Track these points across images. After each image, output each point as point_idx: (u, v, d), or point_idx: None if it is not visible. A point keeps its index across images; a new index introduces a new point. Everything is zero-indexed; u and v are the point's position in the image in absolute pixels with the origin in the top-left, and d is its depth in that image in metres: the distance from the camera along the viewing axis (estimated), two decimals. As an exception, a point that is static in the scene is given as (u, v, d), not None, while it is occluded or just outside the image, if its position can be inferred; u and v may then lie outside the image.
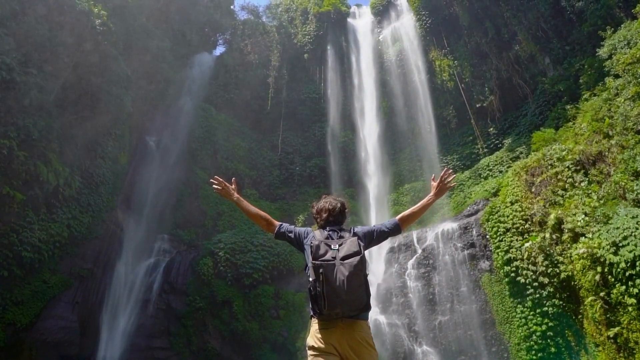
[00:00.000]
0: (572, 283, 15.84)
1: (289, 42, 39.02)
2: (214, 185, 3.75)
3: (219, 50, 42.00)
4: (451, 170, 3.86)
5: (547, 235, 16.88)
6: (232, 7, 41.95)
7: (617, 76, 18.20)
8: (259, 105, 35.99)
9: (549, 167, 18.41)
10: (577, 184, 17.04)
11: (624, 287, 12.98)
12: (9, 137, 17.63)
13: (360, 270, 2.96)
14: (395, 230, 3.59)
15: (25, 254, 18.26)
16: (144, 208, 24.97)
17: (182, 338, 20.76)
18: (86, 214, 21.54)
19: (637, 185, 14.41)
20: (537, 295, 17.04)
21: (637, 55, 16.61)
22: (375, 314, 20.16)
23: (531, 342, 16.73)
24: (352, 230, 3.37)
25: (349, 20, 41.02)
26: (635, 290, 12.53)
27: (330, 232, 3.30)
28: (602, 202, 15.37)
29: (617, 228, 13.57)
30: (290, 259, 23.24)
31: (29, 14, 19.39)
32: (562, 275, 16.11)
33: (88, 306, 20.80)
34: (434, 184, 3.78)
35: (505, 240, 18.62)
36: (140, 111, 27.17)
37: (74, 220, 20.77)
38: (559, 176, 17.76)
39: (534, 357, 16.56)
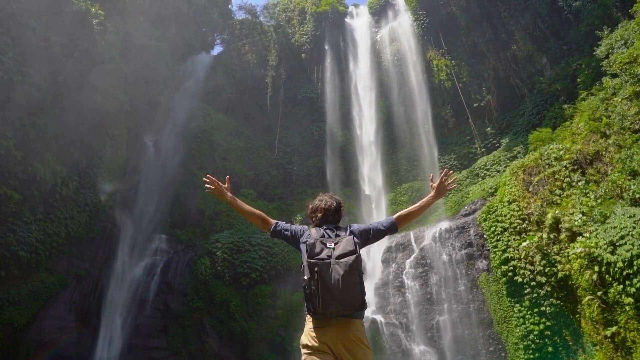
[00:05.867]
0: (570, 282, 15.88)
1: (286, 42, 38.98)
2: (207, 185, 3.71)
3: (217, 50, 41.99)
4: (451, 172, 3.82)
5: (545, 234, 16.92)
6: (229, 6, 41.88)
7: (614, 76, 18.26)
8: (257, 105, 35.94)
9: (547, 166, 18.45)
10: (574, 184, 17.07)
11: (621, 286, 13.01)
12: (5, 136, 17.55)
13: (355, 269, 2.94)
14: (391, 229, 3.57)
15: (22, 254, 18.18)
16: (141, 208, 24.89)
17: (180, 338, 20.71)
18: (83, 213, 21.46)
19: (634, 184, 14.45)
20: (535, 295, 17.07)
21: (634, 55, 16.66)
22: (372, 314, 20.17)
23: (529, 342, 16.76)
24: (348, 228, 3.35)
25: (347, 20, 41.02)
26: (633, 290, 12.56)
27: (327, 231, 3.29)
28: (599, 201, 15.41)
29: (615, 227, 13.61)
30: (288, 259, 23.22)
31: (26, 12, 19.32)
32: (560, 274, 16.15)
33: (85, 306, 20.73)
34: (434, 184, 3.75)
35: (502, 240, 18.65)
36: (138, 111, 27.08)
37: (71, 220, 20.70)
38: (557, 176, 17.80)
39: (532, 357, 16.59)
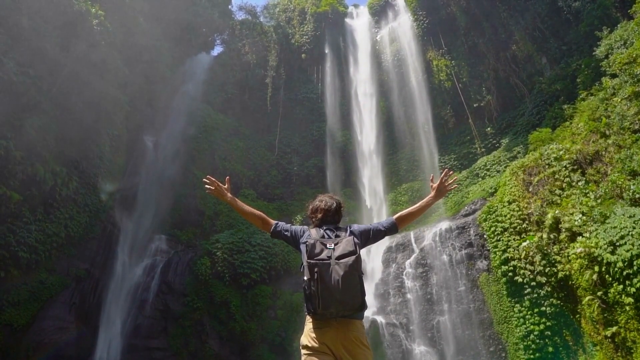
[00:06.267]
0: (570, 282, 15.87)
1: (286, 43, 38.99)
2: (207, 186, 3.71)
3: (217, 50, 42.02)
4: (452, 172, 3.82)
5: (545, 234, 16.91)
6: (229, 7, 41.91)
7: (613, 76, 18.27)
8: (257, 105, 35.95)
9: (546, 166, 18.45)
10: (574, 184, 17.07)
11: (621, 286, 13.01)
12: (5, 137, 17.55)
13: (355, 270, 2.94)
14: (391, 229, 3.57)
15: (22, 255, 18.17)
16: (141, 208, 24.88)
17: (180, 338, 20.70)
18: (83, 214, 21.46)
19: (634, 184, 14.45)
20: (535, 295, 17.07)
21: (634, 55, 16.66)
22: (373, 314, 20.16)
23: (529, 342, 16.76)
24: (348, 229, 3.35)
25: (347, 20, 41.02)
26: (633, 290, 12.56)
27: (327, 231, 3.28)
28: (599, 201, 15.41)
29: (614, 227, 13.60)
30: (288, 259, 23.22)
31: (26, 13, 19.31)
32: (560, 274, 16.15)
33: (85, 307, 20.72)
34: (434, 185, 3.75)
35: (502, 240, 18.65)
36: (138, 111, 27.10)
37: (71, 220, 20.69)
38: (556, 176, 17.80)
39: (532, 357, 16.58)
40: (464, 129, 30.40)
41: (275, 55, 37.60)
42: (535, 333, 16.67)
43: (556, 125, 21.93)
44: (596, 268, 13.88)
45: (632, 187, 14.44)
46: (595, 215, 14.83)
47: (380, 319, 19.98)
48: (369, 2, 41.18)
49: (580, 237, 14.99)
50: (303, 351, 3.07)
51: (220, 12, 39.78)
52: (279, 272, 22.89)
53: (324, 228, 3.33)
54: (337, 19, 39.87)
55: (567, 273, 15.83)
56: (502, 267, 18.15)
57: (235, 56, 37.56)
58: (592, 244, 14.13)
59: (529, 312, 17.10)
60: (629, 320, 13.07)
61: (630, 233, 13.05)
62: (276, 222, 3.63)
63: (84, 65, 21.55)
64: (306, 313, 3.09)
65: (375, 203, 29.98)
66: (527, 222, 18.40)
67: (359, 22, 41.32)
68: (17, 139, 18.08)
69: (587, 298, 14.41)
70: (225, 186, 3.75)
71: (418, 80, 33.24)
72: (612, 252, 13.33)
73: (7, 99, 17.83)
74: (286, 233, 3.51)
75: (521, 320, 17.20)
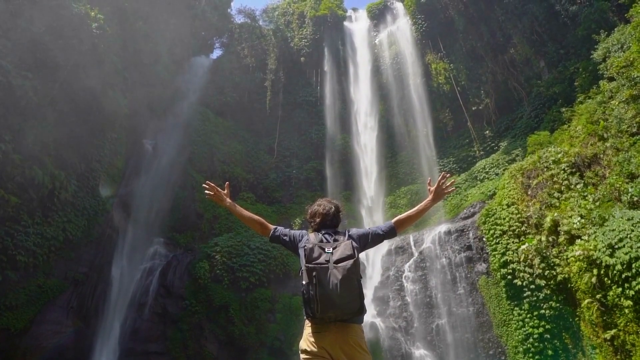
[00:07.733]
0: (569, 285, 15.88)
1: (285, 46, 39.08)
2: (206, 191, 3.73)
3: (216, 53, 42.13)
4: (449, 175, 3.83)
5: (544, 237, 16.93)
6: (229, 10, 42.04)
7: (611, 79, 18.35)
8: (256, 108, 35.99)
9: (545, 169, 18.49)
10: (572, 187, 17.11)
11: (620, 289, 13.01)
12: (4, 140, 17.52)
13: (353, 274, 2.95)
14: (390, 233, 3.58)
15: (19, 258, 18.11)
16: (140, 211, 24.85)
17: (179, 342, 20.62)
18: (82, 217, 21.40)
19: (632, 187, 14.48)
20: (534, 298, 17.05)
21: (631, 59, 16.74)
22: (372, 317, 20.13)
23: (528, 345, 16.73)
24: (346, 233, 3.35)
25: (346, 23, 41.14)
26: (632, 293, 12.56)
27: (325, 235, 3.29)
28: (597, 204, 15.44)
29: (613, 230, 13.63)
30: (287, 262, 23.18)
31: (25, 17, 19.33)
32: (559, 277, 16.15)
33: (83, 310, 20.64)
34: (431, 188, 3.76)
35: (501, 243, 18.65)
36: (137, 114, 27.08)
37: (69, 223, 20.63)
38: (555, 178, 17.84)
39: (531, 360, 16.55)
40: (463, 132, 30.48)
41: (275, 58, 37.69)
42: (535, 336, 16.65)
43: (554, 128, 22.00)
44: (595, 271, 13.89)
45: (630, 189, 14.48)
46: (594, 218, 14.86)
47: (379, 322, 19.95)
48: (367, 6, 41.33)
49: (579, 239, 15.01)
50: (302, 355, 3.07)
51: (220, 16, 39.89)
52: (278, 275, 22.85)
53: (323, 232, 3.34)
54: (336, 23, 39.96)
55: (566, 276, 15.84)
56: (501, 270, 18.15)
57: (235, 59, 37.64)
58: (591, 247, 14.15)
59: (528, 315, 17.08)
60: (628, 323, 13.07)
61: (628, 236, 13.07)
62: (275, 226, 3.64)
63: (83, 69, 21.55)
64: (305, 317, 3.09)
65: (374, 206, 29.98)
66: (526, 224, 18.41)
67: (358, 25, 41.44)
68: (16, 142, 18.06)
69: (586, 301, 14.41)
70: (225, 191, 3.77)
71: (417, 84, 33.34)
72: (611, 255, 13.35)
73: (6, 102, 17.82)
74: (285, 237, 3.52)
75: (520, 323, 17.17)
